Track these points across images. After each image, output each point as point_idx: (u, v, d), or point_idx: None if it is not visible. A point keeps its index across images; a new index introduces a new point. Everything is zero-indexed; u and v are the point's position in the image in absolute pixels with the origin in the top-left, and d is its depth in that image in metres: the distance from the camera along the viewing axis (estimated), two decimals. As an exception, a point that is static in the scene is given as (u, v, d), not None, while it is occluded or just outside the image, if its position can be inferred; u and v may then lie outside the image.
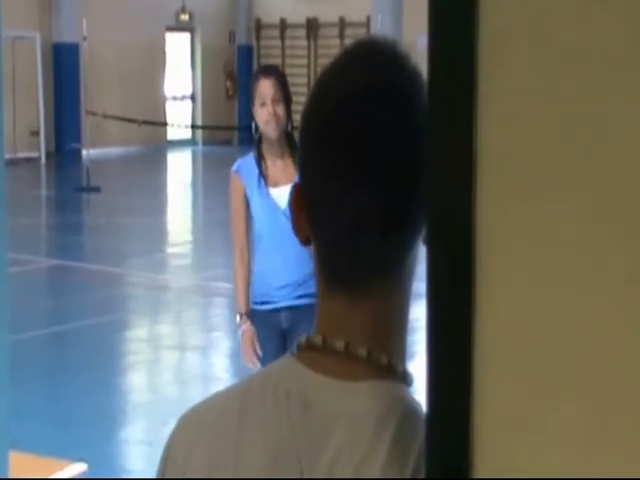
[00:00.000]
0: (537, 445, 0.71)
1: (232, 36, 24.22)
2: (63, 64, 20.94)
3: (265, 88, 4.52)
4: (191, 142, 23.59)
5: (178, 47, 23.85)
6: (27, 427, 5.88)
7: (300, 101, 1.70)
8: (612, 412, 0.69)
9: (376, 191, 1.07)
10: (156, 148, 21.99)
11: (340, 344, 1.08)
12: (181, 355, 8.04)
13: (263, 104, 4.50)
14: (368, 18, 20.89)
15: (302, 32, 23.06)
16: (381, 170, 1.07)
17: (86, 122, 18.55)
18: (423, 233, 1.10)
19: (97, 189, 16.06)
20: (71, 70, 20.75)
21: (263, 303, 4.60)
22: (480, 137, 0.72)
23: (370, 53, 1.12)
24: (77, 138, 20.36)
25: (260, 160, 4.57)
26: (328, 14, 22.30)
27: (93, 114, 18.50)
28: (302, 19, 22.89)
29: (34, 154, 20.03)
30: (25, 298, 9.05)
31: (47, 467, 3.74)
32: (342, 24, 22.28)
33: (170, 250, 12.35)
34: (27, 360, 7.47)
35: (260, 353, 4.59)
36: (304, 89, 16.45)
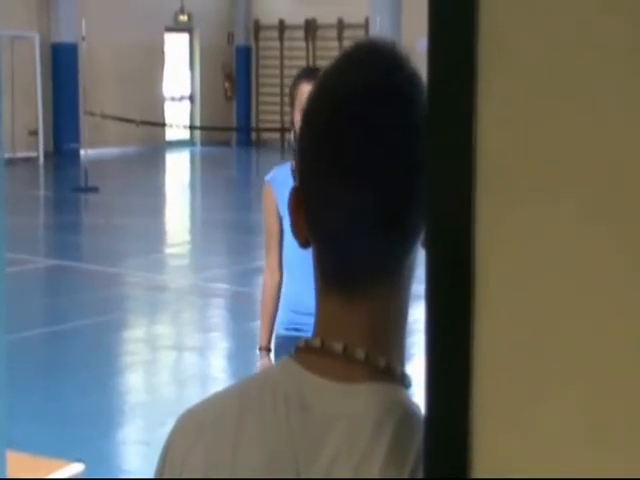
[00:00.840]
0: (536, 446, 0.71)
1: (231, 37, 24.23)
2: (62, 64, 20.94)
3: (308, 93, 3.96)
4: (189, 143, 23.59)
5: (177, 48, 23.85)
6: (24, 427, 5.87)
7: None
8: (611, 413, 0.69)
9: (375, 192, 1.07)
10: (154, 148, 21.99)
11: (338, 346, 1.08)
12: (178, 355, 8.04)
13: None
14: (367, 20, 20.90)
15: (300, 33, 23.06)
16: (380, 171, 1.07)
17: (84, 122, 18.55)
18: (422, 235, 1.10)
19: (95, 189, 16.05)
20: (70, 70, 20.74)
21: (292, 330, 4.10)
22: (479, 138, 0.72)
23: (370, 55, 1.12)
24: (75, 138, 20.35)
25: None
26: (327, 15, 22.30)
27: (91, 114, 18.50)
28: (301, 20, 22.89)
29: (32, 154, 20.01)
30: (23, 298, 9.04)
31: (44, 467, 3.73)
32: (341, 25, 22.29)
33: (168, 250, 12.35)
34: (24, 360, 7.46)
35: None
36: (303, 90, 16.41)
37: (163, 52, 23.24)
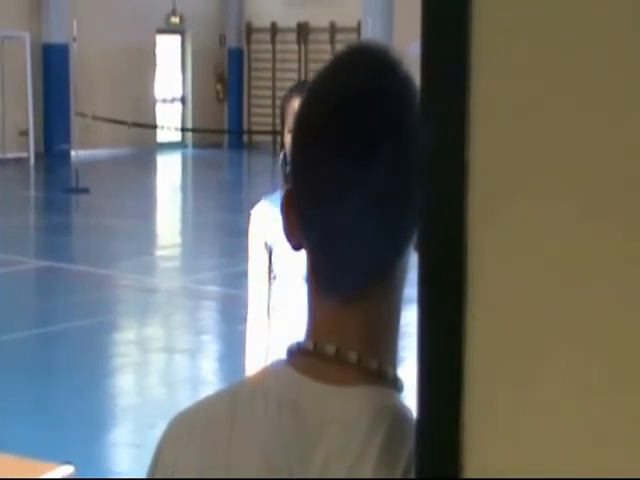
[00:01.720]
0: (527, 448, 0.71)
1: (223, 39, 24.21)
2: (53, 65, 20.89)
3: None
4: (181, 145, 23.56)
5: (168, 49, 23.82)
6: (13, 428, 5.86)
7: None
8: (606, 415, 0.69)
9: (367, 195, 1.07)
10: (145, 150, 21.95)
11: (331, 349, 1.08)
12: (169, 358, 8.03)
13: None
14: (359, 23, 20.90)
15: (293, 36, 23.06)
16: (372, 174, 1.07)
17: (75, 123, 18.51)
18: (415, 239, 1.10)
19: (86, 190, 16.02)
20: (61, 71, 20.70)
21: None
22: (472, 140, 0.72)
23: (362, 58, 1.13)
24: (66, 139, 20.31)
25: None
26: (319, 19, 22.30)
27: (82, 115, 18.46)
28: (293, 23, 22.89)
29: (23, 154, 19.97)
30: (13, 299, 9.02)
31: (33, 469, 3.72)
32: (333, 29, 22.29)
33: (159, 252, 12.33)
34: (14, 361, 7.44)
35: None
36: (294, 93, 16.40)
37: (155, 54, 23.21)
